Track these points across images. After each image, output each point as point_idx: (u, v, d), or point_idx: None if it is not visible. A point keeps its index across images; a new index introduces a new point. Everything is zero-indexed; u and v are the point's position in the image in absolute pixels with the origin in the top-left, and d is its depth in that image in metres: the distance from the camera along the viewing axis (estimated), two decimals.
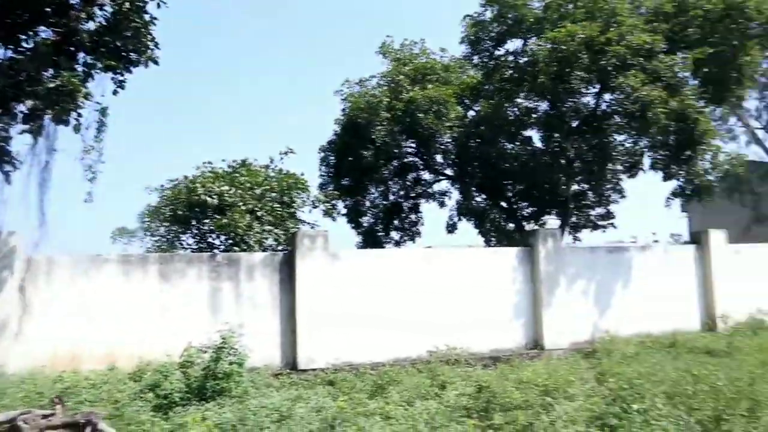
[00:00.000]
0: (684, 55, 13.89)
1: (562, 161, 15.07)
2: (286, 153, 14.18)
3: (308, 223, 14.02)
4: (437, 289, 12.14)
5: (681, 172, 14.49)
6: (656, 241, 27.18)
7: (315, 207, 14.33)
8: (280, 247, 12.71)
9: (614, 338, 12.61)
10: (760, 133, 25.46)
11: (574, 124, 15.19)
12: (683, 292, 14.75)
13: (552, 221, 17.32)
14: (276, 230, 12.98)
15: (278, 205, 13.30)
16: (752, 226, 25.58)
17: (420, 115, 14.93)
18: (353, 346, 11.21)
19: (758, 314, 14.59)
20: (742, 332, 13.14)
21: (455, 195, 18.93)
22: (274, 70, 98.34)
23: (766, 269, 15.74)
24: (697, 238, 15.53)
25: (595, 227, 17.50)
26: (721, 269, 14.93)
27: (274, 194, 13.46)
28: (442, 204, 19.06)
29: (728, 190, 24.58)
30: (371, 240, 18.15)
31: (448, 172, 18.40)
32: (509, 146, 16.25)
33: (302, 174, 13.99)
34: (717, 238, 15.16)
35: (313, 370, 10.52)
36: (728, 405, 5.80)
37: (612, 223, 17.55)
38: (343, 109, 16.93)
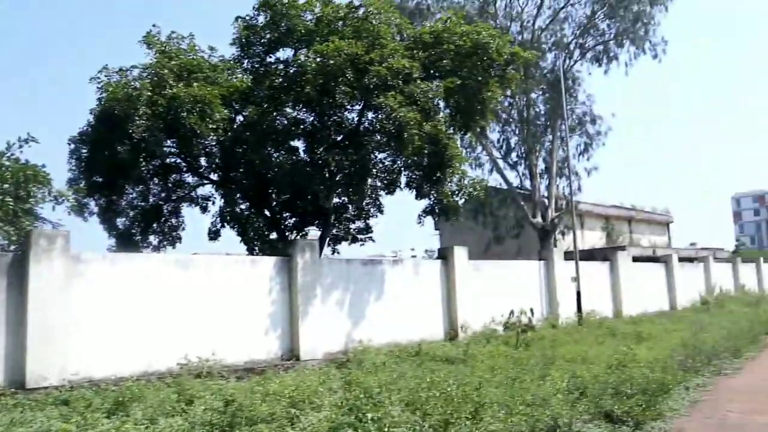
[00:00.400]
0: (438, 83, 15.01)
1: (325, 174, 15.35)
2: (26, 141, 12.51)
3: (51, 222, 12.51)
4: (192, 298, 11.54)
5: (432, 192, 15.56)
6: (414, 256, 29.14)
7: (58, 203, 12.82)
8: (12, 248, 11.13)
9: (367, 348, 13.02)
10: (501, 163, 28.53)
11: (338, 138, 15.60)
12: (430, 303, 15.83)
13: (314, 232, 17.54)
14: (7, 228, 11.35)
15: (11, 200, 11.65)
16: (492, 245, 28.56)
17: (183, 113, 14.16)
18: (95, 361, 10.17)
19: (491, 324, 16.14)
20: (478, 341, 14.43)
21: (219, 201, 18.32)
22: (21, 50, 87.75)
23: (501, 284, 17.56)
24: (444, 254, 16.82)
25: (355, 240, 18.07)
26: (463, 283, 16.30)
27: (6, 186, 11.77)
28: (204, 209, 18.29)
29: (473, 212, 27.15)
30: (127, 244, 16.72)
31: (213, 176, 17.73)
32: (275, 155, 16.14)
33: (43, 166, 12.44)
34: (460, 254, 16.54)
35: (45, 388, 9.27)
36: (457, 409, 6.18)
37: (371, 237, 18.27)
38: (99, 99, 15.44)
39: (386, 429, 5.09)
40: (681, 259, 29.01)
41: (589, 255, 23.78)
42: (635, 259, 25.26)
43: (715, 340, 13.89)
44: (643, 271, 25.40)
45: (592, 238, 34.20)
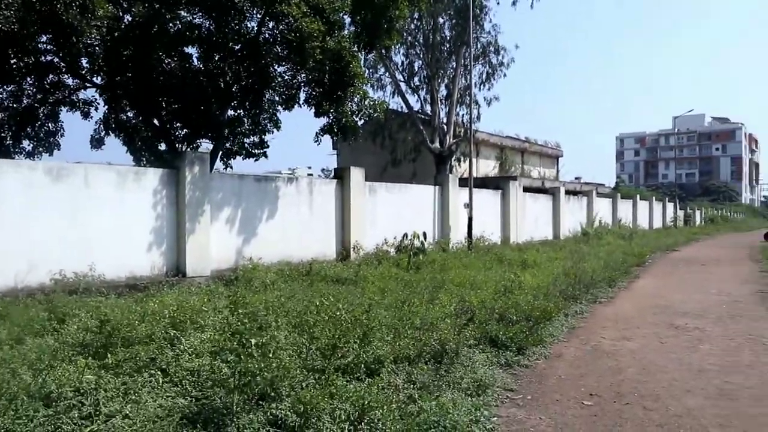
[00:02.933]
0: None
1: (220, 84, 14.46)
2: None
3: None
4: (66, 210, 10.68)
5: (331, 110, 15.08)
6: (310, 175, 28.74)
7: None
8: None
9: (257, 266, 12.75)
10: (403, 86, 28.24)
11: (236, 47, 14.64)
12: (324, 223, 15.67)
13: (206, 146, 16.69)
14: None
15: None
16: (389, 168, 28.59)
17: (60, 5, 12.70)
18: None
19: (384, 246, 16.25)
20: (369, 262, 14.50)
21: (103, 107, 16.94)
22: None
23: (395, 206, 17.62)
24: (340, 175, 16.57)
25: (249, 155, 17.37)
26: (357, 204, 16.20)
27: None
28: (86, 115, 16.86)
29: (372, 134, 26.91)
30: None
31: (96, 79, 16.28)
32: (166, 61, 14.97)
33: None
34: (357, 175, 16.35)
35: None
36: (345, 332, 6.08)
37: (265, 153, 17.59)
38: None
39: (270, 354, 4.90)
40: (567, 192, 30.38)
41: (483, 183, 24.33)
42: (526, 190, 26.15)
43: (593, 269, 14.65)
44: (532, 201, 26.39)
45: (487, 166, 35.05)
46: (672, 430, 5.01)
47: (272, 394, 4.84)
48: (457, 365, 6.23)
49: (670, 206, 52.64)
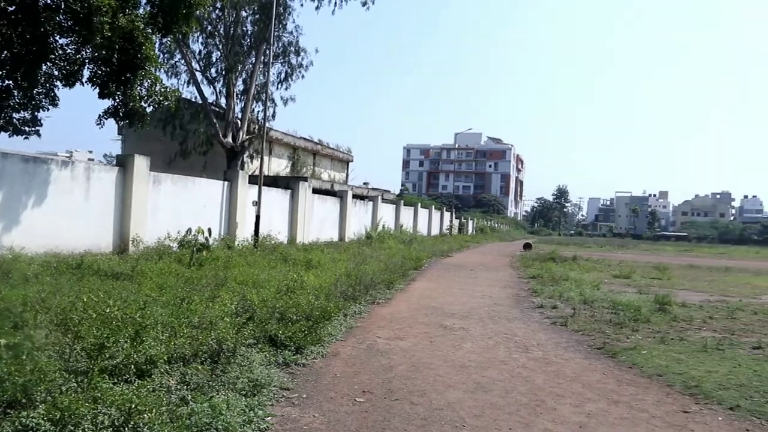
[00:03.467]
0: None
1: None
2: None
3: None
4: None
5: (118, 92, 14.08)
6: (91, 160, 26.39)
7: None
8: None
9: (19, 256, 11.46)
10: (199, 77, 27.20)
11: (10, 7, 13.02)
12: (101, 212, 14.56)
13: None
14: None
15: None
16: (178, 159, 27.32)
17: None
18: None
19: (166, 240, 15.50)
20: (149, 256, 13.74)
21: None
22: None
23: (181, 199, 16.89)
24: (123, 162, 15.51)
25: (17, 131, 15.53)
26: (140, 194, 15.29)
27: None
28: None
29: (162, 122, 25.55)
30: None
31: None
32: None
33: None
34: (141, 164, 15.42)
35: None
36: (115, 331, 5.71)
37: (38, 131, 15.85)
38: None
39: (24, 356, 4.42)
40: (354, 196, 31.47)
41: (274, 182, 24.31)
42: (315, 191, 26.61)
43: (374, 272, 15.34)
44: (320, 202, 26.92)
45: (279, 165, 35.05)
46: (434, 422, 5.42)
47: (24, 400, 4.37)
48: (233, 365, 6.14)
49: (447, 215, 56.94)
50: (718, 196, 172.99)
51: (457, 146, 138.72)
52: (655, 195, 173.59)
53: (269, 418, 5.11)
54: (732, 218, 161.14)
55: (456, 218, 62.58)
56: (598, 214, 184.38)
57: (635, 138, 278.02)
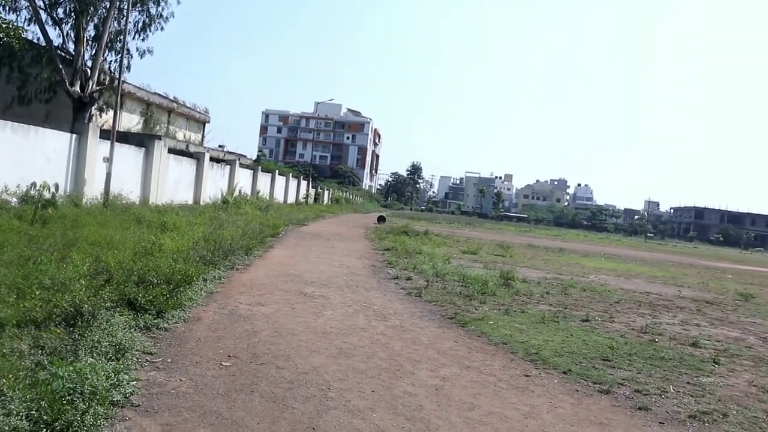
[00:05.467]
0: None
1: None
2: None
3: None
4: None
5: None
6: None
7: None
8: None
9: None
10: (44, 16, 24.78)
11: None
12: None
13: None
14: None
15: None
16: (15, 106, 24.92)
17: None
18: None
19: (4, 195, 14.23)
20: None
21: None
22: None
23: (23, 150, 15.53)
24: None
25: None
26: None
27: None
28: None
29: None
30: None
31: None
32: None
33: None
34: None
35: None
36: None
37: None
38: None
39: None
40: (212, 159, 30.52)
41: (125, 138, 22.91)
42: (171, 151, 25.47)
43: (232, 237, 15.11)
44: (176, 163, 25.84)
45: (130, 121, 33.07)
46: (301, 385, 5.58)
47: None
48: (94, 328, 5.88)
49: (304, 184, 56.79)
50: (555, 183, 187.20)
51: (317, 115, 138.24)
52: (501, 177, 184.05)
53: (135, 382, 4.99)
54: (566, 204, 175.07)
55: (312, 187, 62.66)
56: (449, 192, 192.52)
57: (487, 122, 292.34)
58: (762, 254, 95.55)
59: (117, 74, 21.90)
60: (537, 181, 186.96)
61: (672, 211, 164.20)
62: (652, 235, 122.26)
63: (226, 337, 7.01)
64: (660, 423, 5.73)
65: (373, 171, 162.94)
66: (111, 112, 22.68)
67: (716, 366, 8.36)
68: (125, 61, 24.52)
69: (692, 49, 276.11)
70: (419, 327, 8.92)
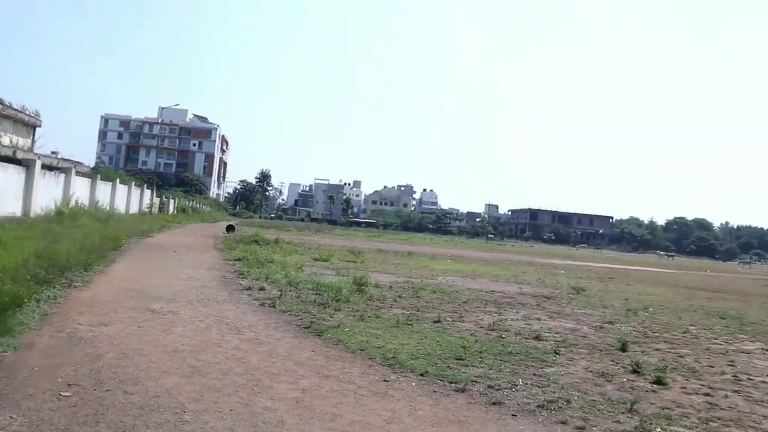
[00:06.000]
0: None
1: None
2: None
3: None
4: None
5: None
6: None
7: None
8: None
9: None
10: None
11: None
12: None
13: None
14: None
15: None
16: None
17: None
18: None
19: None
20: None
21: None
22: None
23: None
24: None
25: None
26: None
27: None
28: None
29: None
30: None
31: None
32: None
33: None
34: None
35: None
36: None
37: None
38: None
39: None
40: (44, 167, 28.04)
41: None
42: None
43: (69, 252, 13.96)
44: (1, 171, 23.44)
45: None
46: (152, 410, 5.21)
47: None
48: None
49: (147, 193, 53.93)
50: (402, 188, 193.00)
51: (161, 121, 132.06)
52: (350, 184, 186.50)
53: None
54: (413, 208, 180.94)
55: (157, 197, 59.63)
56: (298, 199, 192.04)
57: (336, 128, 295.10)
58: (586, 250, 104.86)
59: None
60: (385, 187, 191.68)
61: (510, 213, 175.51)
62: (492, 236, 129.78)
63: (64, 363, 6.41)
64: (513, 415, 6.02)
65: (221, 179, 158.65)
66: None
67: (557, 356, 8.99)
68: None
69: (510, 48, 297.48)
70: (275, 338, 8.74)
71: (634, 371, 8.34)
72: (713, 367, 9.29)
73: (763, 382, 8.54)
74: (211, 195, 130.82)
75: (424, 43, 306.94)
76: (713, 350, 10.81)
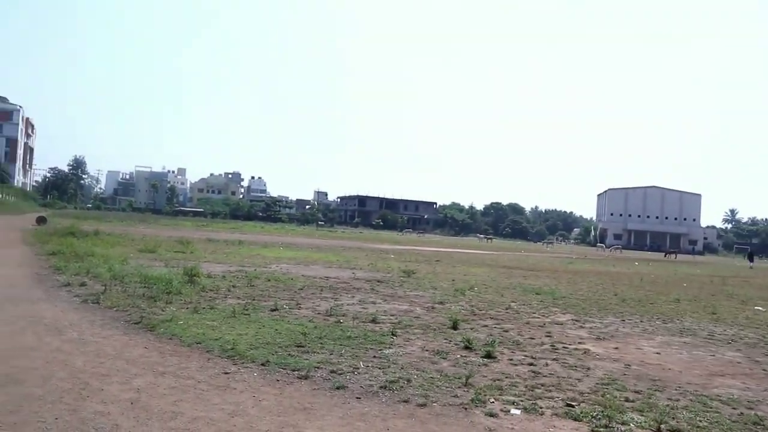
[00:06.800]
0: None
1: None
2: None
3: None
4: None
5: None
6: None
7: None
8: None
9: None
10: None
11: None
12: None
13: None
14: None
15: None
16: None
17: None
18: None
19: None
20: None
21: None
22: None
23: None
24: None
25: None
26: None
27: None
28: None
29: None
30: None
31: None
32: None
33: None
34: None
35: None
36: None
37: None
38: None
39: None
40: None
41: None
42: None
43: None
44: None
45: None
46: None
47: None
48: None
49: None
50: (230, 176, 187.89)
51: None
52: (174, 172, 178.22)
53: None
54: (242, 196, 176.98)
55: None
56: (118, 188, 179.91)
57: (158, 113, 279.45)
58: (412, 234, 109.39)
59: None
60: (211, 174, 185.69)
61: (339, 200, 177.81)
62: (322, 223, 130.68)
63: None
64: (357, 398, 6.09)
65: (27, 166, 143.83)
66: None
67: (394, 338, 9.25)
68: None
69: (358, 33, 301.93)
70: (102, 337, 8.10)
71: (466, 347, 8.82)
72: (534, 338, 10.08)
73: (576, 349, 9.44)
74: (15, 184, 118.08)
75: (251, 29, 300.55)
76: (533, 323, 11.75)
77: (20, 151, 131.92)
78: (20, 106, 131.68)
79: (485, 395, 6.39)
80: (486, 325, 11.16)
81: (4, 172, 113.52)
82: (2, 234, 27.46)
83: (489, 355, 8.35)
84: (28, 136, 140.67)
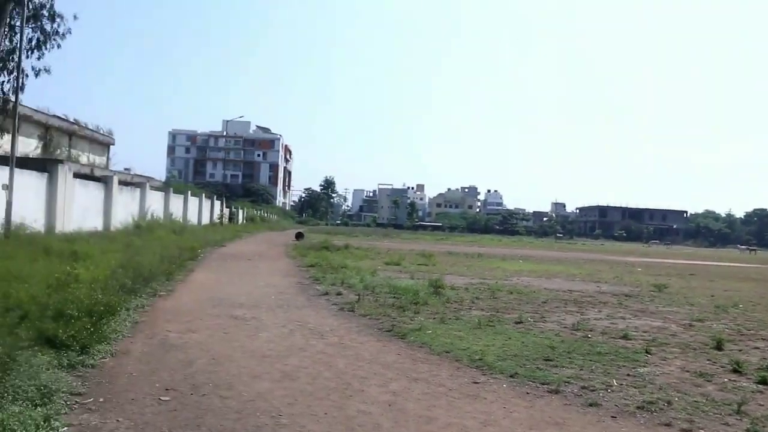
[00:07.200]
0: None
1: None
2: None
3: None
4: None
5: None
6: None
7: None
8: None
9: None
10: None
11: None
12: None
13: None
14: None
15: None
16: None
17: None
18: None
19: None
20: None
21: None
22: None
23: None
24: None
25: None
26: None
27: None
28: None
29: None
30: None
31: None
32: None
33: None
34: None
35: None
36: None
37: None
38: None
39: None
40: (120, 182, 29.17)
41: (24, 163, 21.51)
42: (76, 176, 24.14)
43: (151, 263, 14.40)
44: (83, 188, 24.49)
45: (27, 146, 31.10)
46: (249, 414, 5.24)
47: None
48: (14, 372, 5.32)
49: (217, 204, 55.39)
50: (466, 190, 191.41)
51: (225, 134, 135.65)
52: (413, 188, 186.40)
53: (66, 429, 4.52)
54: (478, 210, 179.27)
55: (226, 207, 61.16)
56: (363, 205, 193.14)
57: (397, 134, 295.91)
58: (659, 246, 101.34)
59: (12, 96, 20.50)
60: (448, 189, 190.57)
61: (578, 211, 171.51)
62: (561, 235, 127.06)
63: (160, 369, 6.56)
64: (612, 417, 5.77)
65: (286, 188, 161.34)
66: (6, 137, 21.26)
67: (649, 356, 8.61)
68: (20, 82, 23.04)
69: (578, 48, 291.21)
70: (359, 342, 8.72)
71: (735, 371, 7.90)
72: None
73: None
74: (277, 204, 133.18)
75: (499, 46, 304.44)
76: None
77: (281, 175, 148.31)
78: (280, 135, 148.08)
79: (763, 427, 5.65)
80: (757, 347, 9.88)
81: (269, 194, 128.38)
82: (270, 248, 31.04)
83: (765, 381, 7.38)
84: (286, 161, 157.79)
